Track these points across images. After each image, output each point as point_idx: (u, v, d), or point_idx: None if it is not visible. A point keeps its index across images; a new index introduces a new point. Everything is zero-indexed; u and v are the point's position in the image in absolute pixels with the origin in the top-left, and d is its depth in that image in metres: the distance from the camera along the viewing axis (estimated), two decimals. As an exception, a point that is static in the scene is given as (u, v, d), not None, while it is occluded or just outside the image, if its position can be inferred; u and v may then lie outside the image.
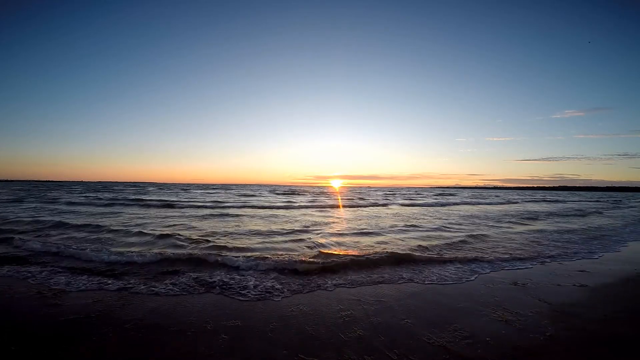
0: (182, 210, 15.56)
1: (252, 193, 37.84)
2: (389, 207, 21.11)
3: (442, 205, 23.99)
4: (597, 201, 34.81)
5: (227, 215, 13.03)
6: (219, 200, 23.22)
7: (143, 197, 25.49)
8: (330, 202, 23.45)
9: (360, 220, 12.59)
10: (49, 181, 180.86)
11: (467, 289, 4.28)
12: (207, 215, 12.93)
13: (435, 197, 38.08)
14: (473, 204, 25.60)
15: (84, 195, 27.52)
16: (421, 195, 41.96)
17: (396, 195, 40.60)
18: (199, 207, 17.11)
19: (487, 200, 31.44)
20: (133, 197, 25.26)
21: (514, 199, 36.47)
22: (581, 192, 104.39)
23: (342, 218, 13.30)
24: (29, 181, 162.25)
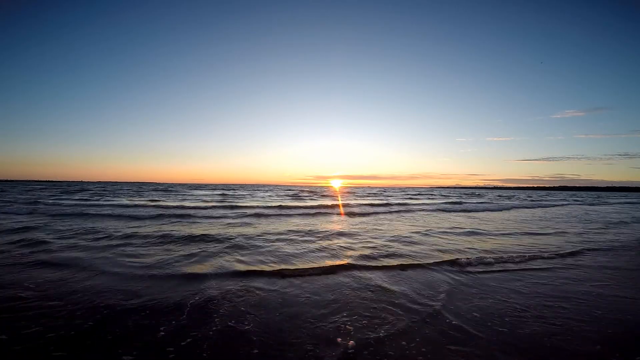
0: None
1: (264, 195, 31.99)
2: (419, 212, 16.40)
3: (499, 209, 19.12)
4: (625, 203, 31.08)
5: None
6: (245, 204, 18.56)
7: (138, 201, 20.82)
8: (363, 206, 18.57)
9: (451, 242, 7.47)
10: (47, 181, 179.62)
11: None
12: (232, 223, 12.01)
13: (458, 198, 32.18)
14: (530, 207, 21.75)
15: (57, 196, 22.27)
16: (432, 196, 37.88)
17: (407, 195, 36.60)
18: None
19: (519, 203, 26.50)
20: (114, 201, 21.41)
21: (544, 201, 30.99)
22: (582, 192, 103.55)
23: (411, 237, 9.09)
24: (26, 181, 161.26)
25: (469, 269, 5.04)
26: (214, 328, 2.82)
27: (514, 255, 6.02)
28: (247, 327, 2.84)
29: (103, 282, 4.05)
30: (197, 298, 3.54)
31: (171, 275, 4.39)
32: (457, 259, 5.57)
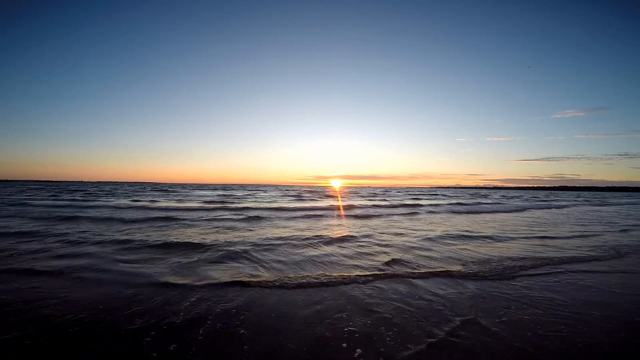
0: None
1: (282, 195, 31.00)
2: (428, 214, 15.62)
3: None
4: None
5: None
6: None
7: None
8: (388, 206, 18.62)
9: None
10: (46, 181, 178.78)
11: None
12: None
13: (463, 199, 30.39)
14: (542, 208, 20.87)
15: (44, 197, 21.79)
16: (436, 196, 36.00)
17: (411, 196, 34.85)
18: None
19: (529, 204, 24.81)
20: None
21: (552, 202, 29.49)
22: (584, 192, 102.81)
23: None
24: (25, 181, 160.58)
25: (499, 275, 4.49)
26: (203, 334, 2.65)
27: (546, 259, 5.42)
28: (240, 332, 2.70)
29: (84, 289, 3.72)
30: (187, 309, 3.16)
31: (161, 283, 3.96)
32: (479, 265, 5.00)
